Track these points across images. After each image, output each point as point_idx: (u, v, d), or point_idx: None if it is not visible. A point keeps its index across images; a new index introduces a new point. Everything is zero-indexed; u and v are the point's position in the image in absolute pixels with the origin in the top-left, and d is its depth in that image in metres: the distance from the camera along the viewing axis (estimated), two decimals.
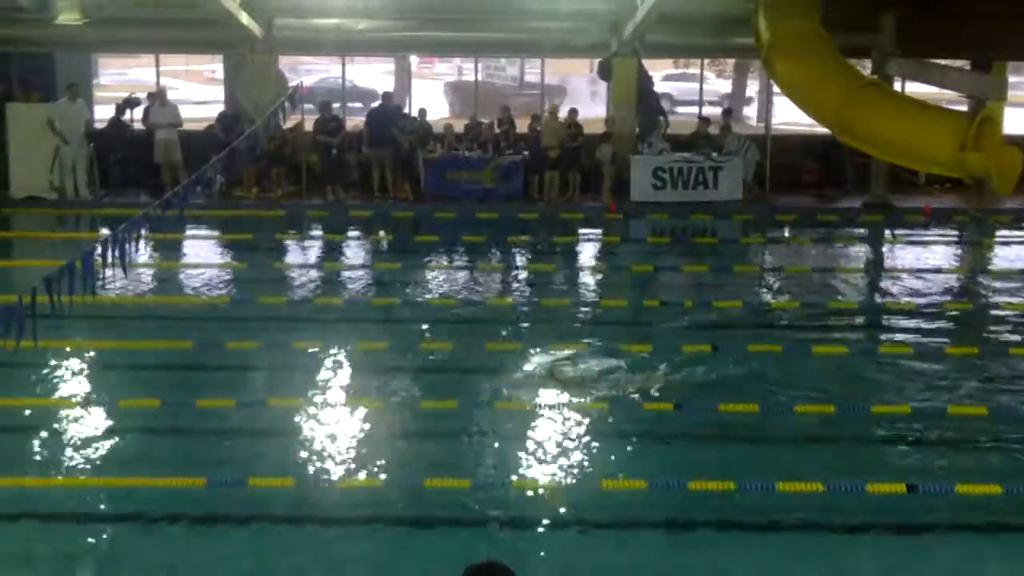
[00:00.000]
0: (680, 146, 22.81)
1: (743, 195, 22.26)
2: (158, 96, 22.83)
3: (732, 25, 22.04)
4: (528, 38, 23.39)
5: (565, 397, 11.97)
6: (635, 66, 22.75)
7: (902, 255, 19.96)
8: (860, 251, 20.46)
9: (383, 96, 23.86)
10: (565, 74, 35.35)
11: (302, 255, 19.29)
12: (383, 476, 10.15)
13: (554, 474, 10.25)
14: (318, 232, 20.44)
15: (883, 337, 15.00)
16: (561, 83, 34.59)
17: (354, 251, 19.60)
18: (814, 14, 18.58)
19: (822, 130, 19.90)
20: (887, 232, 21.47)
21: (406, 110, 24.23)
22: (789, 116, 26.20)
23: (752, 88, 34.86)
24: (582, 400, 11.90)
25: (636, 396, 12.06)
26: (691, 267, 18.04)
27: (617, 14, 22.51)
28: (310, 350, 13.27)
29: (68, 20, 21.25)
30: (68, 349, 13.05)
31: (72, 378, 12.56)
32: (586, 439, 11.00)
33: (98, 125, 22.89)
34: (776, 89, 21.17)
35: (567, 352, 13.34)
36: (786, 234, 21.18)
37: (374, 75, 35.41)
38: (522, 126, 23.37)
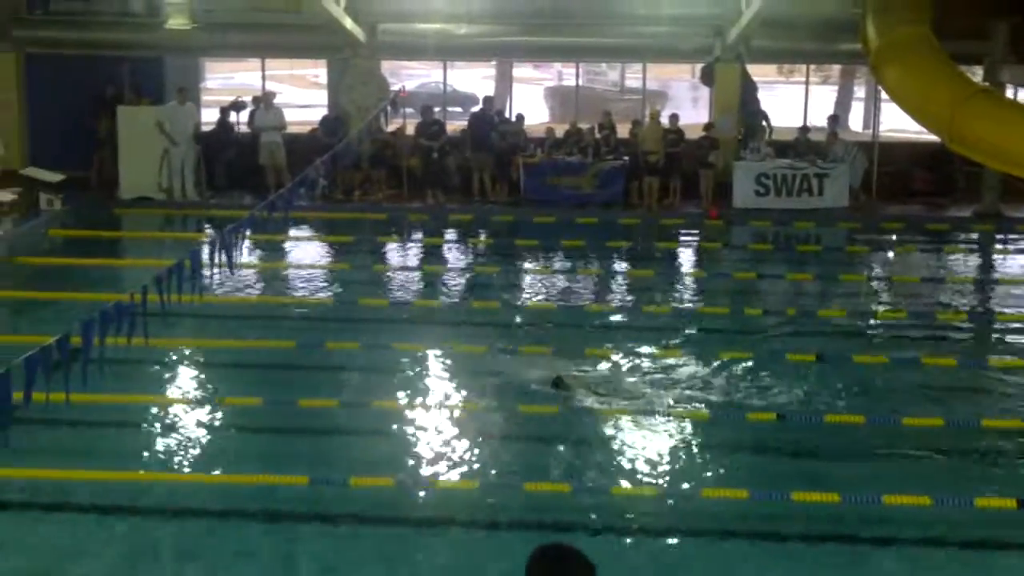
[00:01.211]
0: (784, 152, 22.46)
1: (849, 203, 21.84)
2: (263, 100, 23.13)
3: (838, 30, 21.67)
4: (630, 43, 23.26)
5: (668, 404, 11.85)
6: (738, 71, 22.49)
7: (1013, 265, 19.44)
8: (970, 261, 19.99)
9: (484, 100, 23.91)
10: (666, 79, 35.10)
11: (402, 258, 19.39)
12: (481, 479, 10.15)
13: (654, 481, 10.17)
14: (418, 235, 20.53)
15: (993, 349, 14.63)
16: (662, 88, 34.36)
17: (453, 254, 19.66)
18: (925, 20, 18.17)
19: (931, 137, 19.45)
20: (997, 242, 20.93)
21: (506, 115, 24.22)
22: (896, 123, 25.66)
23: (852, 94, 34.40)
24: (683, 408, 11.77)
25: (739, 406, 11.89)
26: (794, 275, 17.77)
27: (721, 18, 22.29)
28: (409, 352, 13.32)
29: (177, 25, 21.65)
30: (176, 347, 13.26)
31: (179, 375, 12.79)
32: (687, 447, 10.89)
33: (205, 128, 23.28)
34: (884, 95, 20.75)
35: (670, 360, 13.21)
36: (894, 242, 20.73)
37: (474, 80, 35.52)
38: (622, 131, 23.22)
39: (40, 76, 23.20)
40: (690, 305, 16.25)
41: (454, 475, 10.24)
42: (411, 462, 10.51)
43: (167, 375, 12.69)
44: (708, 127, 22.71)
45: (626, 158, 22.04)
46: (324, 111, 24.27)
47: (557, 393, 12.01)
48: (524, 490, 9.65)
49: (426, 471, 10.31)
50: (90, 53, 22.81)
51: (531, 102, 32.33)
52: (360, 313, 15.11)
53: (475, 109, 24.91)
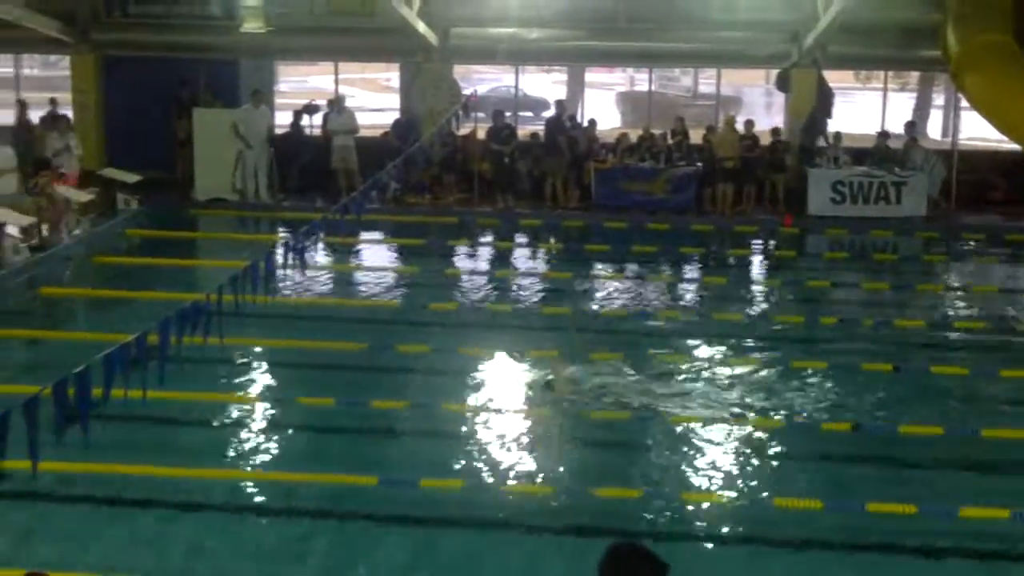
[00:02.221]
0: (861, 160, 22.16)
1: (927, 212, 21.48)
2: (336, 103, 23.28)
3: (918, 36, 21.36)
4: (704, 48, 23.07)
5: (741, 412, 11.72)
6: (815, 77, 22.23)
7: None
8: None
9: (556, 105, 23.86)
10: (739, 84, 34.84)
11: (472, 262, 19.38)
12: (551, 483, 10.11)
13: (726, 489, 10.06)
14: (488, 239, 20.51)
15: None
16: (736, 94, 34.12)
17: (523, 259, 19.61)
18: (1007, 28, 17.87)
19: (1011, 146, 19.14)
20: None
21: (578, 119, 24.13)
22: (976, 131, 25.21)
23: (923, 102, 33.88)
24: (757, 416, 11.64)
25: (813, 415, 11.73)
26: (870, 284, 17.49)
27: (797, 23, 22.03)
28: (479, 356, 13.29)
29: (252, 28, 21.82)
30: (250, 347, 13.35)
31: (253, 375, 12.87)
32: (760, 456, 10.77)
33: (278, 131, 23.46)
34: (963, 103, 20.40)
35: (743, 368, 13.07)
36: (972, 252, 20.35)
37: (546, 84, 35.50)
38: (695, 137, 23.05)
39: (117, 78, 23.54)
40: (763, 313, 16.04)
41: (524, 479, 10.22)
42: (480, 465, 10.50)
43: (241, 375, 12.76)
44: (776, 131, 22.48)
45: (699, 164, 21.86)
46: (396, 115, 24.35)
47: (548, 394, 12.06)
48: (594, 495, 9.59)
49: (496, 474, 10.29)
50: (167, 55, 23.09)
51: (603, 107, 32.24)
52: (430, 317, 15.12)
53: (548, 114, 24.82)
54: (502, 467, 10.44)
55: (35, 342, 14.03)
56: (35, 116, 23.09)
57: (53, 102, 23.16)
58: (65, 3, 22.91)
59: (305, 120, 23.70)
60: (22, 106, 22.95)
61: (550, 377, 12.50)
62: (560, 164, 22.12)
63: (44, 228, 18.28)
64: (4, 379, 12.67)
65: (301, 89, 33.60)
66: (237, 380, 12.61)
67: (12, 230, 16.79)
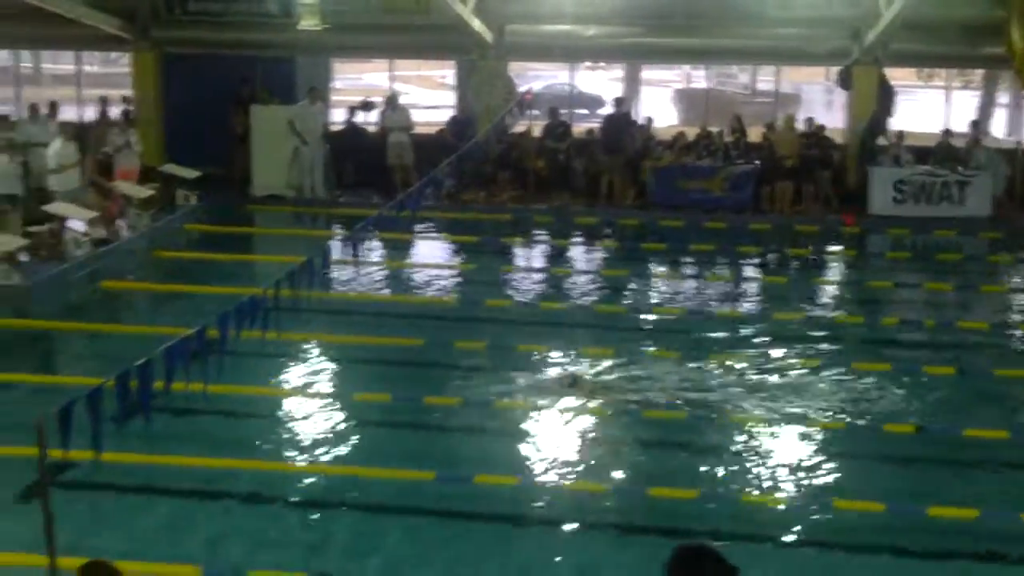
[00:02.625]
0: (923, 159, 21.85)
1: (991, 211, 21.14)
2: (391, 100, 23.33)
3: (981, 34, 21.00)
4: (764, 45, 22.86)
5: (800, 413, 11.59)
6: (876, 75, 21.96)
7: None
8: None
9: (616, 102, 23.72)
10: (799, 82, 34.49)
11: (527, 259, 19.33)
12: (607, 481, 10.06)
13: (785, 491, 9.97)
14: (543, 237, 20.44)
15: None
16: (795, 91, 33.79)
17: (579, 257, 19.53)
18: None
19: None
20: None
21: (633, 117, 24.00)
22: None
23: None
24: (817, 417, 11.50)
25: (875, 416, 11.57)
26: (933, 285, 17.23)
27: (859, 20, 21.74)
28: (534, 353, 13.25)
29: (309, 26, 21.90)
30: (307, 342, 13.40)
31: (310, 370, 12.90)
32: (821, 457, 10.65)
33: (334, 128, 23.53)
34: None
35: (803, 368, 12.93)
36: None
37: (601, 81, 35.37)
38: (754, 135, 22.85)
39: (177, 75, 23.73)
40: (823, 313, 15.85)
41: (579, 477, 10.17)
42: (535, 462, 10.48)
43: (298, 369, 12.82)
44: (822, 128, 22.24)
45: (757, 162, 21.66)
46: (451, 112, 24.36)
47: (571, 391, 12.01)
48: (649, 495, 9.55)
49: (550, 472, 10.26)
50: (225, 53, 23.25)
51: (659, 104, 32.08)
52: (485, 313, 15.10)
53: (606, 111, 24.67)
54: (557, 465, 10.40)
55: (96, 335, 14.17)
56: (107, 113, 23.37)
57: (108, 100, 23.33)
58: (126, 1, 23.14)
59: (361, 117, 23.76)
60: (104, 103, 23.17)
61: (575, 375, 12.42)
62: (618, 162, 22.00)
63: (105, 223, 18.48)
64: (67, 371, 12.85)
65: (356, 86, 33.70)
66: (294, 375, 12.67)
67: (75, 224, 16.96)
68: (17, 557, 7.96)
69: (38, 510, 5.80)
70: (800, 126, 22.27)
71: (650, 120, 23.15)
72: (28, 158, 17.83)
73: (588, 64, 27.98)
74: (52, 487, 5.64)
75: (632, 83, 29.22)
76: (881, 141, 22.06)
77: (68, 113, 23.77)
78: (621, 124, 22.62)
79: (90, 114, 23.68)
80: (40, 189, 17.85)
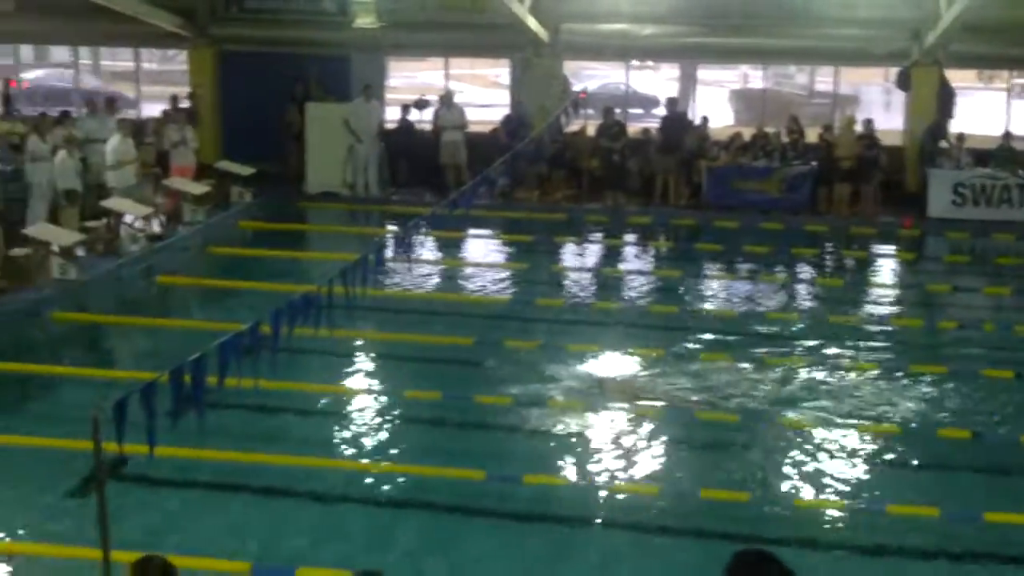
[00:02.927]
0: (983, 161, 21.51)
1: None
2: (446, 99, 23.34)
3: None
4: (822, 45, 22.63)
5: (854, 416, 11.46)
6: (936, 76, 21.66)
7: None
8: None
9: (668, 102, 23.58)
10: (857, 83, 34.11)
11: (580, 259, 19.26)
12: (657, 483, 10.00)
13: (838, 495, 9.88)
14: (596, 236, 20.36)
15: None
16: (853, 92, 33.43)
17: (632, 257, 19.44)
18: None
19: None
20: None
21: (689, 117, 23.82)
22: None
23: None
24: (872, 421, 11.36)
25: (930, 421, 11.41)
26: (992, 289, 16.99)
27: (919, 21, 21.48)
28: (585, 353, 13.20)
29: (364, 24, 21.97)
30: (359, 339, 13.42)
31: (361, 367, 12.95)
32: (873, 462, 10.59)
33: (388, 126, 23.59)
34: None
35: (859, 372, 12.78)
36: None
37: (657, 81, 35.17)
38: (811, 136, 22.61)
39: (233, 72, 23.91)
40: (881, 316, 15.67)
41: (630, 478, 10.15)
42: (586, 463, 10.44)
43: (349, 366, 12.87)
44: (868, 123, 21.96)
45: (814, 163, 21.43)
46: (504, 111, 24.33)
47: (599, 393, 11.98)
48: (701, 497, 9.49)
49: (601, 473, 10.23)
50: (281, 51, 23.39)
51: (715, 105, 31.84)
52: (537, 312, 15.07)
53: (660, 111, 24.50)
54: (608, 466, 10.38)
55: (151, 330, 14.29)
56: (158, 110, 23.58)
57: (179, 97, 23.51)
58: None
59: (415, 115, 23.80)
60: (175, 100, 23.39)
61: (601, 379, 12.35)
62: (672, 162, 21.87)
63: (161, 219, 18.66)
64: (122, 365, 12.99)
65: (411, 84, 33.76)
66: (345, 371, 12.72)
67: (131, 220, 17.13)
68: (71, 551, 8.04)
69: (93, 504, 5.83)
70: (857, 127, 22.01)
71: (705, 120, 22.98)
72: (86, 154, 18.01)
73: (637, 64, 27.68)
74: (107, 481, 5.66)
75: (688, 83, 28.97)
76: (941, 143, 21.75)
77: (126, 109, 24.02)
78: (677, 124, 22.49)
79: (150, 111, 23.88)
80: (98, 185, 18.04)
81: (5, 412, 11.33)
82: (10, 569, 8.23)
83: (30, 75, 33.87)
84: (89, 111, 20.15)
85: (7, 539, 8.68)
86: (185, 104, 23.19)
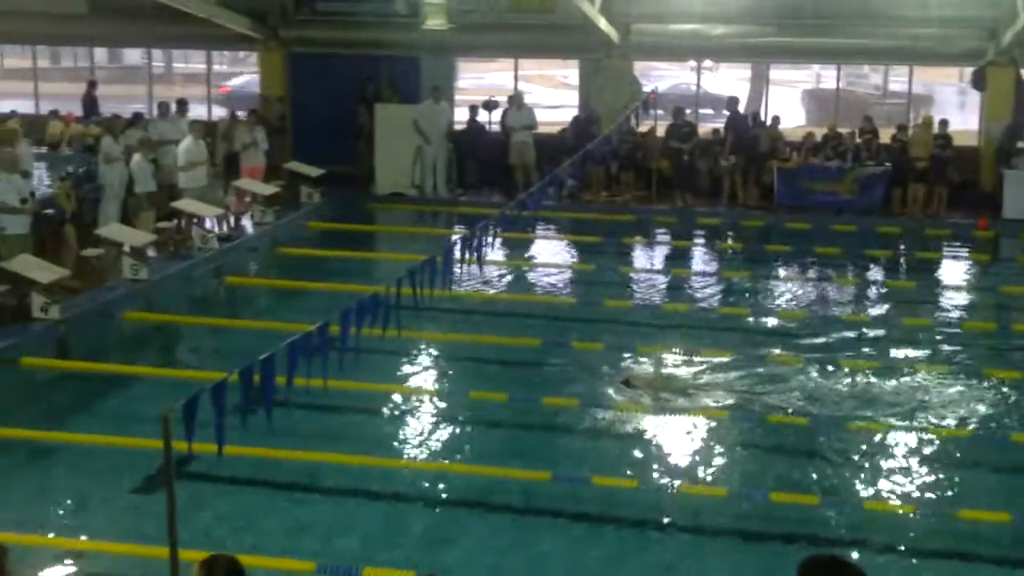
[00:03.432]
0: None
1: None
2: (515, 100, 23.32)
3: None
4: (896, 44, 22.27)
5: (926, 419, 11.28)
6: (1012, 76, 21.25)
7: None
8: None
9: (729, 101, 23.36)
10: (931, 82, 33.63)
11: (649, 260, 19.14)
12: (726, 486, 9.92)
13: (909, 499, 9.74)
14: (665, 237, 20.22)
15: None
16: (926, 92, 32.95)
17: (701, 258, 19.29)
18: None
19: None
20: None
21: (760, 117, 23.56)
22: None
23: None
24: (944, 425, 11.17)
25: (1005, 425, 11.19)
26: None
27: (995, 20, 21.08)
28: (654, 354, 13.10)
29: (434, 25, 22.02)
30: (426, 340, 13.44)
31: (428, 367, 12.97)
32: (945, 465, 10.41)
33: (457, 127, 23.62)
34: None
35: (931, 374, 12.57)
36: None
37: (728, 81, 34.92)
38: (884, 136, 22.28)
39: (303, 74, 24.08)
40: (954, 319, 15.41)
41: (698, 480, 10.08)
42: (654, 465, 10.40)
43: (417, 366, 12.90)
44: (943, 124, 21.57)
45: (888, 164, 21.11)
46: (573, 111, 24.26)
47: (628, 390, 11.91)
48: (770, 501, 9.39)
49: (669, 475, 10.17)
50: (351, 52, 23.52)
51: (787, 105, 31.55)
52: (605, 314, 14.99)
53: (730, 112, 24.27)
54: (676, 468, 10.32)
55: (220, 329, 14.43)
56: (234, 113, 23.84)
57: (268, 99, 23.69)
58: (256, 1, 23.57)
59: (483, 116, 23.82)
60: (266, 101, 23.66)
61: (628, 376, 12.27)
62: (738, 162, 21.68)
63: (231, 219, 18.85)
64: (191, 365, 13.11)
65: (480, 86, 33.84)
66: (412, 372, 12.75)
67: (202, 221, 17.30)
68: (140, 549, 8.11)
69: (161, 502, 5.87)
70: (932, 128, 21.63)
71: (776, 120, 22.73)
72: (158, 155, 18.23)
73: (693, 66, 27.45)
74: (175, 479, 5.69)
75: (760, 83, 28.71)
76: (1018, 144, 21.32)
77: (198, 111, 24.26)
78: (743, 124, 22.28)
79: (220, 112, 24.17)
80: (170, 186, 18.25)
81: (77, 411, 11.50)
82: (81, 566, 8.33)
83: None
84: (161, 113, 20.39)
85: (78, 537, 8.79)
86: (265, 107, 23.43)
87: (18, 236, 13.68)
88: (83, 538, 8.76)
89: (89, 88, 24.58)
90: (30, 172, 17.36)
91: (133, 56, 37.25)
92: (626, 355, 13.05)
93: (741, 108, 23.68)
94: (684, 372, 12.55)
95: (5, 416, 11.25)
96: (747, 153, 21.69)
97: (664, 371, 12.38)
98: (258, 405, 6.83)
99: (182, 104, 20.89)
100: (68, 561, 8.36)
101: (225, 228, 18.23)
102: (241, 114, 22.56)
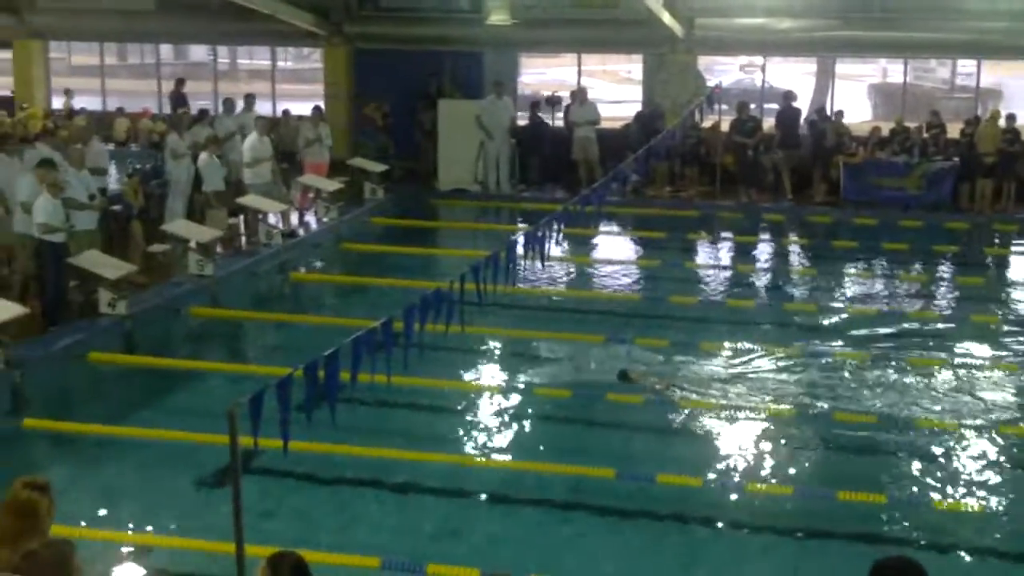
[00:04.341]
0: None
1: None
2: (578, 95, 23.22)
3: None
4: (964, 38, 21.90)
5: (995, 418, 11.09)
6: None
7: None
8: None
9: (785, 95, 23.09)
10: (1000, 76, 33.03)
11: (713, 256, 18.99)
12: (794, 485, 9.80)
13: (979, 499, 9.59)
14: (730, 233, 20.05)
15: None
16: (995, 86, 32.37)
17: (767, 254, 19.10)
18: None
19: None
20: None
21: (827, 112, 23.26)
22: None
23: None
24: (1016, 423, 10.96)
25: None
26: None
27: None
28: (719, 351, 13.02)
29: (497, 21, 22.00)
30: (489, 336, 13.41)
31: (492, 364, 12.92)
32: (1016, 465, 10.26)
33: (520, 122, 23.57)
34: None
35: (1001, 372, 12.34)
36: None
37: (794, 76, 34.52)
38: (952, 131, 21.92)
39: (367, 69, 24.17)
40: (1022, 315, 15.10)
41: (765, 479, 9.99)
42: (720, 463, 10.32)
43: (480, 363, 12.87)
44: (1011, 118, 21.15)
45: (956, 159, 20.76)
46: (635, 107, 24.13)
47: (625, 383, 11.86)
48: (838, 499, 9.24)
49: (735, 473, 10.10)
50: (414, 48, 23.57)
51: (853, 99, 31.16)
52: (669, 310, 14.87)
53: (796, 105, 24.01)
54: (742, 466, 10.25)
55: (284, 325, 14.51)
56: (291, 109, 24.00)
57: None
58: None
59: (544, 112, 23.76)
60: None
61: (625, 370, 12.20)
62: (792, 156, 21.46)
63: (295, 216, 18.94)
64: (256, 360, 13.19)
65: (542, 81, 33.76)
66: (476, 368, 12.72)
67: (266, 217, 17.41)
68: (206, 544, 8.16)
69: (226, 497, 5.88)
70: (1000, 122, 21.26)
71: (839, 114, 22.42)
72: (224, 151, 18.35)
73: (745, 62, 27.19)
74: (241, 475, 5.70)
75: (825, 77, 28.36)
76: None
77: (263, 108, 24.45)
78: (792, 118, 22.05)
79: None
80: (236, 182, 18.38)
81: (144, 406, 11.59)
82: (147, 562, 8.39)
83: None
84: (226, 109, 20.55)
85: (144, 532, 8.86)
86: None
87: (87, 232, 13.83)
88: (149, 532, 8.83)
89: (177, 85, 24.86)
90: (105, 168, 17.62)
91: (199, 52, 37.57)
92: (690, 351, 12.94)
93: (802, 103, 23.38)
94: (719, 369, 12.45)
95: (73, 411, 11.42)
96: (790, 148, 21.46)
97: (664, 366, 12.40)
98: (322, 401, 6.83)
99: (249, 99, 21.06)
100: (135, 556, 8.42)
101: (289, 224, 18.32)
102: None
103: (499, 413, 11.44)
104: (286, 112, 23.37)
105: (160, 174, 17.99)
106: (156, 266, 15.59)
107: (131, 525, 8.95)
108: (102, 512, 9.13)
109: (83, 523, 8.46)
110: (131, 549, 8.49)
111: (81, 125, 18.79)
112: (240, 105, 20.60)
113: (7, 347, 11.45)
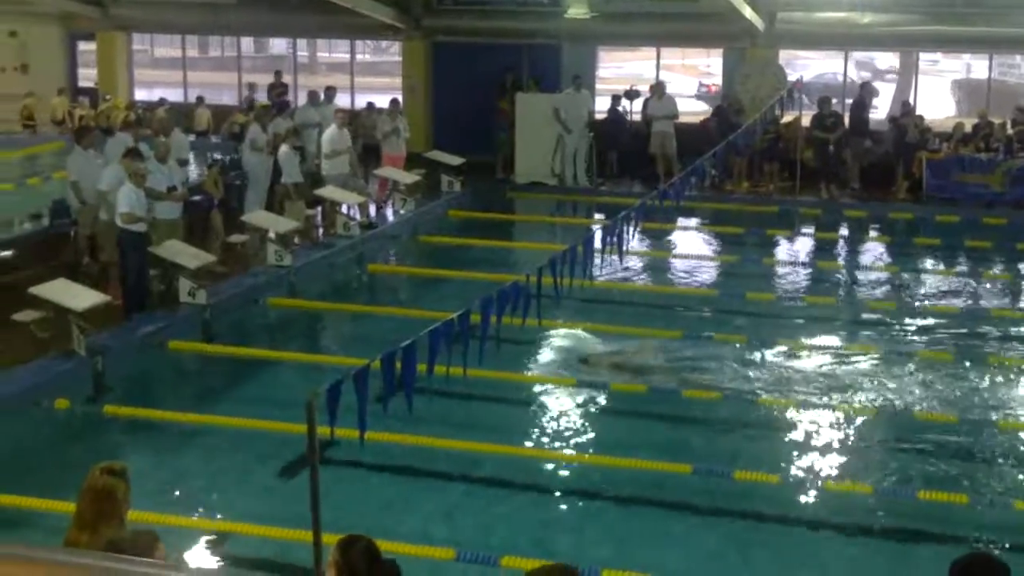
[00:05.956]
0: None
1: None
2: (657, 89, 23.08)
3: None
4: None
5: None
6: None
7: None
8: None
9: (860, 88, 22.73)
10: None
11: (792, 252, 18.76)
12: (871, 483, 9.66)
13: None
14: (810, 229, 19.79)
15: None
16: None
17: (847, 251, 18.84)
18: None
19: None
20: None
21: (911, 107, 22.89)
22: None
23: None
24: None
25: None
26: None
27: None
28: (797, 348, 12.87)
29: (576, 14, 21.92)
30: (565, 329, 13.35)
31: (567, 357, 12.85)
32: None
33: (598, 116, 23.47)
34: None
35: None
36: None
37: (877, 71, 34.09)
38: None
39: (445, 63, 24.25)
40: None
41: (842, 477, 9.85)
42: (797, 460, 10.21)
43: (556, 356, 12.82)
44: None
45: None
46: (715, 101, 23.93)
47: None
48: (918, 499, 9.14)
49: (813, 471, 9.99)
50: (492, 41, 23.58)
51: (937, 95, 30.67)
52: (747, 306, 14.71)
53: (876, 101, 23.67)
54: (820, 464, 10.13)
55: (361, 316, 14.58)
56: (367, 101, 24.10)
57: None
58: None
59: (621, 105, 23.65)
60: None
61: (588, 355, 12.19)
62: (859, 148, 21.12)
63: (373, 207, 19.03)
64: (333, 351, 13.28)
65: (620, 75, 33.60)
66: (552, 362, 12.68)
67: (344, 208, 17.52)
68: (283, 532, 8.22)
69: (303, 486, 5.91)
70: None
71: (912, 108, 21.99)
72: (303, 143, 18.50)
73: (814, 56, 26.79)
74: (319, 464, 5.73)
75: (908, 72, 27.94)
76: None
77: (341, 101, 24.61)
78: (862, 107, 21.73)
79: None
80: (313, 173, 18.52)
81: (222, 395, 11.74)
82: (225, 548, 8.48)
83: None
84: (310, 101, 20.71)
85: (222, 519, 8.96)
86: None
87: (168, 222, 14.01)
88: (226, 519, 8.91)
89: (276, 78, 25.20)
90: (187, 160, 17.85)
91: (278, 46, 37.98)
92: (767, 348, 12.80)
93: (878, 98, 23.02)
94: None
95: (153, 399, 11.58)
96: (856, 136, 21.10)
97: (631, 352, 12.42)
98: (399, 392, 6.84)
99: (330, 92, 21.21)
100: (212, 543, 8.52)
101: (367, 216, 18.41)
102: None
103: (575, 407, 11.39)
104: (370, 104, 23.52)
105: (239, 165, 18.16)
106: (235, 256, 15.77)
107: (209, 512, 9.06)
108: (181, 499, 9.24)
109: (163, 509, 8.56)
110: (208, 536, 8.58)
111: (162, 117, 19.01)
112: (321, 97, 20.75)
113: (89, 334, 11.63)
